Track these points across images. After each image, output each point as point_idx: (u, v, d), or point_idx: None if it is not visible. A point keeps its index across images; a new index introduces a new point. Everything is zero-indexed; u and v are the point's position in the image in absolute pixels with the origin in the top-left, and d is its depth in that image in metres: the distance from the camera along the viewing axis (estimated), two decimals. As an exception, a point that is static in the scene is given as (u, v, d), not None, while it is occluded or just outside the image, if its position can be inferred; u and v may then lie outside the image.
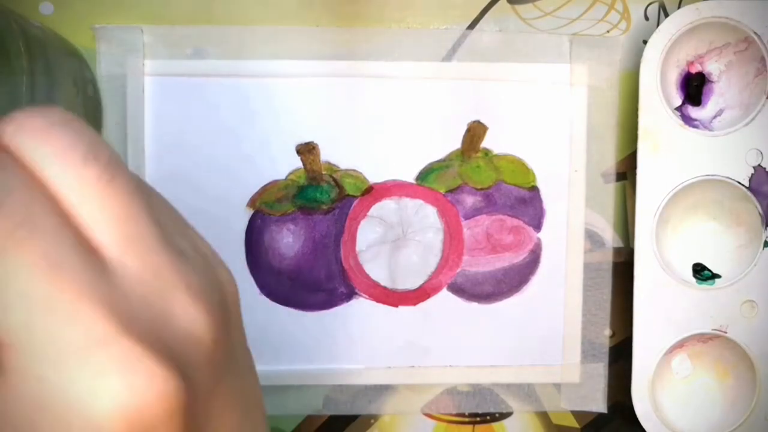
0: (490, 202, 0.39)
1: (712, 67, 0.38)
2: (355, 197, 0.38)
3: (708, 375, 0.39)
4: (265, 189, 0.38)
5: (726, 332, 0.38)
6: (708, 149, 0.37)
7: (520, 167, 0.39)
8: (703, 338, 0.38)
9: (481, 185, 0.39)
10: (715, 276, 0.38)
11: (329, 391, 0.39)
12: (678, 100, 0.38)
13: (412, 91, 0.38)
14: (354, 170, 0.38)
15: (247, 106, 0.38)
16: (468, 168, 0.39)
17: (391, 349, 0.39)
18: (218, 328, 0.16)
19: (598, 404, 0.40)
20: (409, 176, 0.39)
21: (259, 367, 0.40)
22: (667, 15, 0.38)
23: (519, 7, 0.39)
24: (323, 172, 0.38)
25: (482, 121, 0.38)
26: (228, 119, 0.38)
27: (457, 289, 0.39)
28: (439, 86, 0.38)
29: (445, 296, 0.39)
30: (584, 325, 0.39)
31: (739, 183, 0.37)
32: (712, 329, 0.38)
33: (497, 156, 0.39)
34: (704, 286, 0.38)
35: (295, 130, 0.38)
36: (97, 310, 0.13)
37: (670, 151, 0.37)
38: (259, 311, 0.38)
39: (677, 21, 0.37)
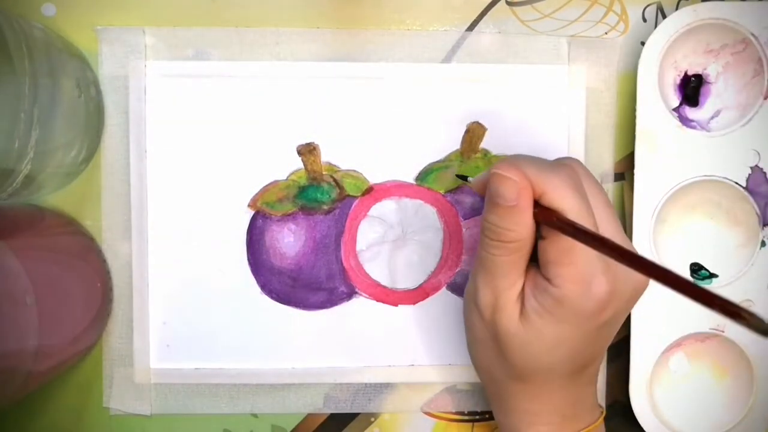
0: (489, 202, 0.39)
1: (709, 69, 0.39)
2: (355, 197, 0.39)
3: (706, 374, 0.40)
4: (266, 189, 0.38)
5: (723, 331, 0.38)
6: (705, 150, 0.38)
7: (519, 168, 0.39)
8: (700, 337, 0.39)
9: (480, 185, 0.39)
10: (712, 275, 0.38)
11: (329, 389, 0.39)
12: (676, 101, 0.39)
13: (412, 92, 0.38)
14: (354, 171, 0.39)
15: (249, 108, 0.38)
16: (467, 168, 0.39)
17: (391, 347, 0.39)
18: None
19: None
20: (409, 176, 0.39)
21: (260, 366, 0.41)
22: (664, 16, 0.38)
23: (518, 9, 0.39)
24: (324, 173, 0.38)
25: (481, 122, 0.39)
26: (229, 120, 0.38)
27: (457, 289, 0.39)
28: (438, 88, 0.38)
29: (444, 295, 0.39)
30: (583, 325, 0.40)
31: (737, 183, 0.38)
32: (710, 328, 0.38)
33: (496, 157, 0.39)
34: (702, 285, 0.38)
35: (295, 130, 0.38)
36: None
37: (667, 151, 0.37)
38: (260, 310, 0.39)
39: (675, 22, 0.37)
